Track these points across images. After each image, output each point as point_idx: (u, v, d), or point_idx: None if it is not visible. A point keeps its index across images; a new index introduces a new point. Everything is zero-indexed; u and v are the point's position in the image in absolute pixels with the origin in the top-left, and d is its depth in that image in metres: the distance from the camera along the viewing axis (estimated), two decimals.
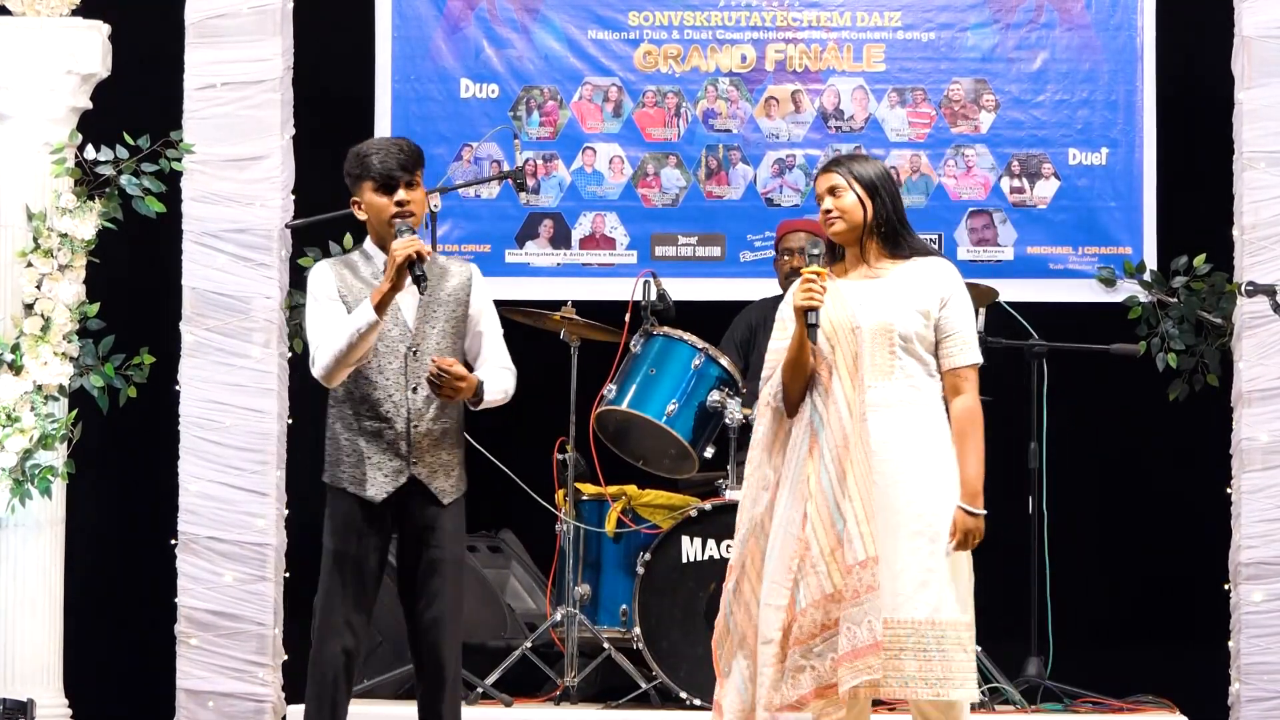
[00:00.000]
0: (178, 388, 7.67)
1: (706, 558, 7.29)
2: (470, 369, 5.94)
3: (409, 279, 5.73)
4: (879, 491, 5.44)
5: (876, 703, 5.74)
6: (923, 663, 5.39)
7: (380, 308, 5.71)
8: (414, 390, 5.83)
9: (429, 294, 5.85)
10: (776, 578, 5.48)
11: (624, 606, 7.47)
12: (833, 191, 5.62)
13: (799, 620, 5.41)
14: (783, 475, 5.56)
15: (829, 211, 5.61)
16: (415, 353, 5.84)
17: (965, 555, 5.53)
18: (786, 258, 7.80)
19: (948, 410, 5.59)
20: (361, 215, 5.92)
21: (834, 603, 5.39)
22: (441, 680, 5.84)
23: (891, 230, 5.61)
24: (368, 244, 5.95)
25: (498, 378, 5.95)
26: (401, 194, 5.83)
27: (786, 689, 5.42)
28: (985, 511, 5.52)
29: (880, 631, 5.34)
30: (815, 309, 5.48)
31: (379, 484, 5.79)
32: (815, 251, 5.59)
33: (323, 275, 5.89)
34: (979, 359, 5.62)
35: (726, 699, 5.59)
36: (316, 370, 5.80)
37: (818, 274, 5.51)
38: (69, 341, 7.60)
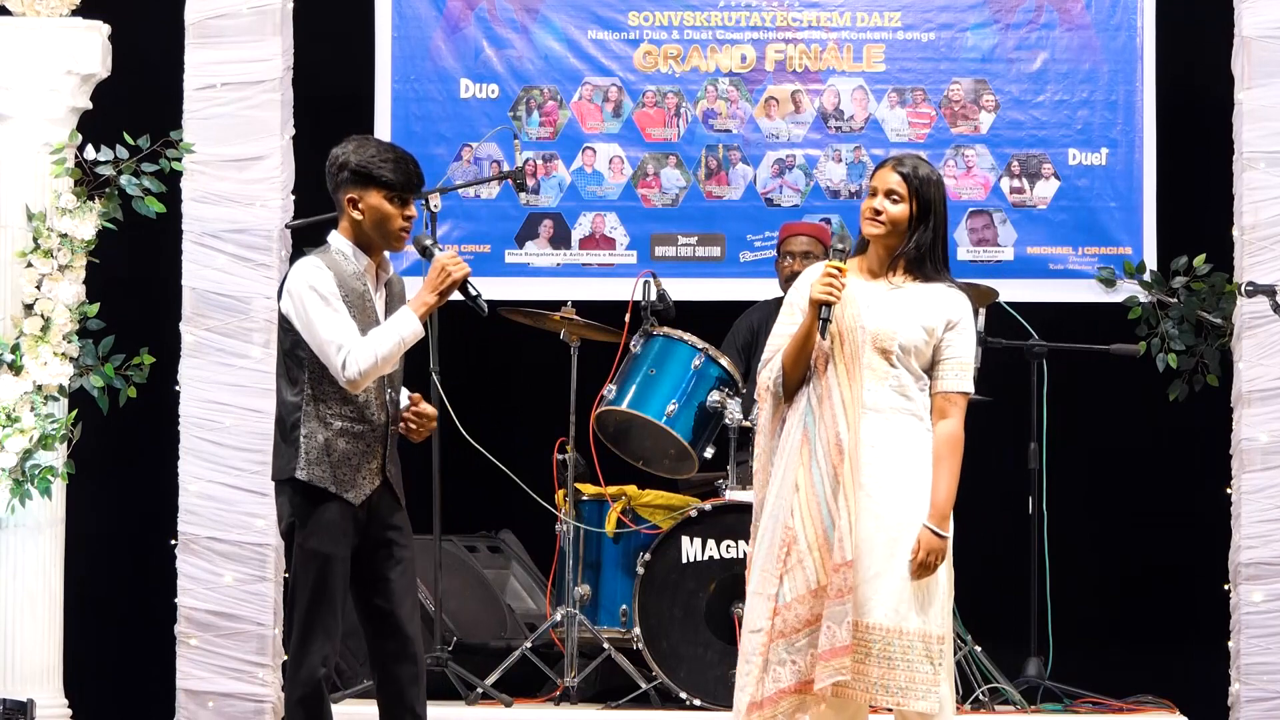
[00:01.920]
0: (178, 388, 7.67)
1: (706, 558, 7.29)
2: None
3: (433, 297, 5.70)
4: (863, 494, 5.42)
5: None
6: (885, 670, 5.37)
7: (421, 319, 5.68)
8: (392, 394, 5.79)
9: (392, 302, 5.78)
10: (766, 567, 5.45)
11: (624, 607, 7.47)
12: (889, 194, 5.52)
13: (782, 614, 5.40)
14: (774, 462, 5.53)
15: (877, 212, 5.52)
16: None
17: (945, 570, 5.48)
18: (789, 261, 7.78)
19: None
20: (356, 215, 5.71)
21: (818, 598, 5.37)
22: (418, 676, 5.81)
23: (921, 259, 5.52)
24: (344, 244, 5.73)
25: None
26: (410, 210, 5.75)
27: (769, 682, 5.41)
28: (950, 535, 5.46)
29: (850, 634, 5.33)
30: (831, 304, 5.43)
31: (361, 485, 5.73)
32: (840, 246, 5.49)
33: (324, 274, 5.66)
34: (971, 389, 5.55)
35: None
36: (351, 372, 5.61)
37: (840, 269, 5.44)
38: (69, 341, 7.59)
